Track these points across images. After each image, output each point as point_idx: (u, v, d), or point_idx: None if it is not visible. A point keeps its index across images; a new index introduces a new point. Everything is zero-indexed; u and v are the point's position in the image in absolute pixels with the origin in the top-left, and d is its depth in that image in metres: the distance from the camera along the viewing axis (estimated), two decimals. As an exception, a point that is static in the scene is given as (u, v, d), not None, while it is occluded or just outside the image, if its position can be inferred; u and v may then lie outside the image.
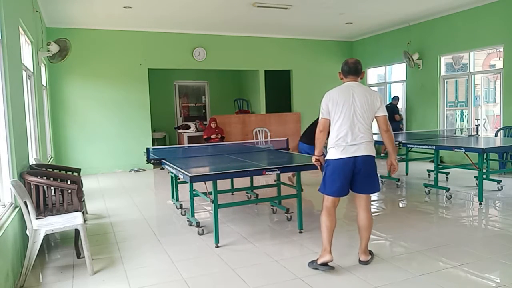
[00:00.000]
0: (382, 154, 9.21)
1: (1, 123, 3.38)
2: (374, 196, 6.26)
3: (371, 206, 5.63)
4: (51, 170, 4.80)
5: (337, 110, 3.15)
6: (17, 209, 3.40)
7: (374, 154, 3.22)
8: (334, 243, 3.88)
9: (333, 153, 3.17)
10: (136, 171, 9.03)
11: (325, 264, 3.20)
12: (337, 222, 4.58)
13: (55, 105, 8.50)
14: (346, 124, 3.12)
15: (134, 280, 3.18)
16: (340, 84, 3.28)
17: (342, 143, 3.12)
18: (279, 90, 11.60)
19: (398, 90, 10.22)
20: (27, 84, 5.27)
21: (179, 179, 5.14)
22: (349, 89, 3.19)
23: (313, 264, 3.28)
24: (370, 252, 3.42)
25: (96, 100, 8.86)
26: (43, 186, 3.73)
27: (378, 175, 3.34)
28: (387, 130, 3.25)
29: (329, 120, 3.21)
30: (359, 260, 3.35)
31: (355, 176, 3.18)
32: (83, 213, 4.07)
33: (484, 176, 5.48)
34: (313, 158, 3.44)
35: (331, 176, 3.19)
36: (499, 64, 7.89)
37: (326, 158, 3.26)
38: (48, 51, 6.88)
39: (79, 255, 3.70)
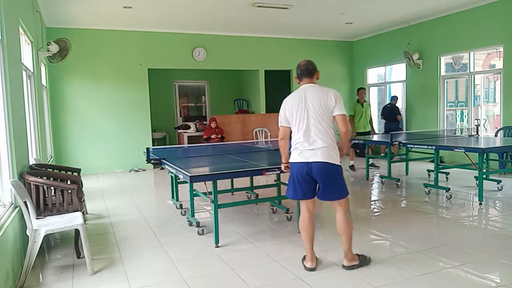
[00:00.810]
0: (382, 154, 9.24)
1: (1, 123, 3.38)
2: (374, 196, 6.27)
3: (372, 207, 5.65)
4: (51, 170, 4.80)
5: (293, 116, 3.12)
6: (17, 209, 3.40)
7: (332, 160, 3.04)
8: (334, 243, 3.88)
9: (291, 157, 3.17)
10: (136, 171, 9.04)
11: (306, 267, 3.23)
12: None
13: (55, 105, 8.50)
14: (301, 129, 3.08)
15: (134, 280, 3.18)
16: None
17: (299, 147, 3.10)
18: (279, 90, 11.59)
19: (398, 90, 10.22)
20: (27, 84, 5.27)
21: (179, 179, 5.13)
22: (302, 92, 3.15)
23: (302, 260, 3.34)
24: (360, 257, 3.29)
25: (96, 100, 8.86)
26: (43, 186, 3.73)
27: (343, 179, 3.21)
28: (346, 132, 3.12)
29: (289, 127, 3.19)
30: (342, 265, 3.24)
31: (316, 183, 3.11)
32: (83, 213, 4.07)
33: (484, 176, 5.48)
34: (282, 166, 3.40)
35: (290, 179, 3.20)
36: (499, 64, 7.89)
37: (290, 160, 3.24)
38: (48, 51, 6.88)
39: (79, 255, 3.70)
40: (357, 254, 3.30)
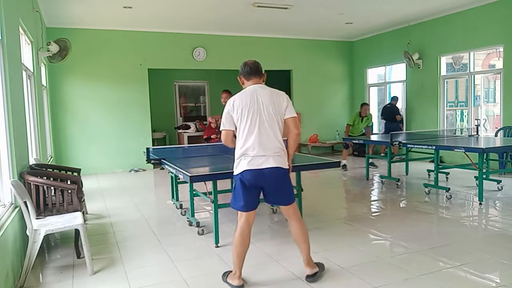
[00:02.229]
0: (382, 155, 9.24)
1: (1, 123, 3.38)
2: (374, 196, 6.27)
3: (372, 207, 5.65)
4: (51, 170, 4.80)
5: (242, 118, 2.84)
6: (17, 209, 3.40)
7: (284, 165, 2.91)
8: (334, 243, 3.88)
9: (239, 165, 2.89)
10: (136, 171, 9.03)
11: (233, 285, 2.96)
12: (337, 222, 4.62)
13: (55, 105, 8.49)
14: (252, 133, 2.83)
15: (134, 280, 3.18)
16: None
17: (249, 153, 2.84)
18: (279, 90, 11.60)
19: (398, 90, 10.22)
20: (27, 84, 5.27)
21: (179, 179, 5.13)
22: (252, 93, 2.90)
23: (223, 277, 3.08)
24: (318, 264, 3.13)
25: (96, 100, 8.86)
26: (43, 186, 3.73)
27: (293, 184, 3.09)
28: (298, 134, 2.98)
29: (232, 131, 2.91)
30: (306, 276, 3.04)
31: (265, 189, 2.94)
32: (83, 213, 4.07)
33: (484, 176, 5.47)
34: None
35: (238, 189, 2.91)
36: (499, 64, 7.89)
37: (234, 172, 2.96)
38: (48, 51, 6.88)
39: (79, 255, 3.70)
40: (315, 263, 3.14)
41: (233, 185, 3.02)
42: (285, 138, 3.04)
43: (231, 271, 3.07)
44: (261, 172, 2.85)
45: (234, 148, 2.98)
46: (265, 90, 2.97)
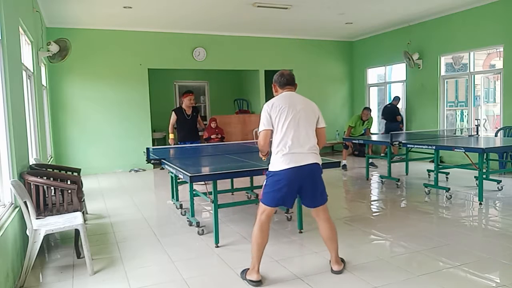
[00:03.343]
0: (382, 155, 9.24)
1: (1, 123, 3.38)
2: (374, 196, 6.27)
3: (372, 207, 5.65)
4: (51, 170, 4.79)
5: (281, 118, 2.98)
6: (17, 209, 3.40)
7: (320, 161, 3.08)
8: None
9: (276, 162, 2.99)
10: (136, 171, 9.04)
11: (253, 281, 3.03)
12: (337, 222, 4.61)
13: (55, 105, 8.50)
14: (291, 130, 2.96)
15: (134, 280, 3.18)
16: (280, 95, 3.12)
17: (288, 150, 2.95)
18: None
19: (398, 90, 10.22)
20: (27, 84, 5.27)
21: (179, 179, 5.14)
22: (289, 98, 3.07)
23: (242, 275, 3.14)
24: (342, 260, 3.27)
25: (96, 100, 8.86)
26: (43, 186, 3.72)
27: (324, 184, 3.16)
28: (324, 143, 3.19)
29: (271, 130, 3.02)
30: (332, 270, 3.18)
31: (303, 188, 3.02)
32: (83, 213, 4.07)
33: (484, 176, 5.47)
34: (264, 158, 3.27)
35: (274, 186, 2.99)
36: (499, 64, 7.89)
37: (269, 168, 3.06)
38: (48, 51, 6.88)
39: (79, 255, 3.70)
40: (340, 258, 3.26)
41: (266, 181, 3.07)
42: None
43: (248, 269, 3.13)
44: (301, 169, 2.96)
45: (270, 148, 3.08)
46: (300, 97, 3.15)
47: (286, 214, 4.80)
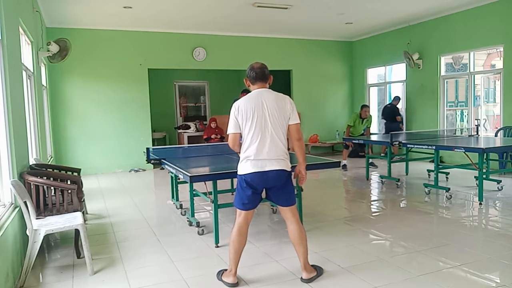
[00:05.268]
0: (382, 155, 9.24)
1: (1, 123, 3.38)
2: (374, 196, 6.27)
3: (372, 207, 5.65)
4: (51, 170, 4.79)
5: (247, 122, 2.88)
6: (17, 209, 3.40)
7: (287, 167, 2.97)
8: (335, 243, 3.88)
9: (242, 167, 2.95)
10: (136, 171, 9.03)
11: (228, 283, 2.99)
12: (337, 222, 4.62)
13: (55, 105, 8.49)
14: (257, 137, 2.87)
15: (134, 280, 3.18)
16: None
17: (254, 156, 2.89)
18: (279, 90, 11.56)
19: (398, 90, 10.22)
20: (27, 84, 5.26)
21: (179, 179, 5.13)
22: (258, 97, 2.94)
23: (218, 275, 3.12)
24: (316, 268, 3.14)
25: (96, 100, 8.86)
26: (43, 186, 3.72)
27: (295, 186, 3.14)
28: (299, 139, 3.02)
29: (239, 134, 2.95)
30: (301, 278, 3.05)
31: (269, 190, 3.01)
32: (83, 213, 4.07)
33: (484, 176, 5.47)
34: None
35: (241, 190, 2.97)
36: (499, 64, 7.89)
37: (238, 172, 3.01)
38: (48, 51, 6.88)
39: (79, 255, 3.70)
40: (312, 265, 3.14)
41: (237, 185, 3.07)
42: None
43: (225, 270, 3.10)
44: (265, 174, 2.91)
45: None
46: (270, 94, 3.00)
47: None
